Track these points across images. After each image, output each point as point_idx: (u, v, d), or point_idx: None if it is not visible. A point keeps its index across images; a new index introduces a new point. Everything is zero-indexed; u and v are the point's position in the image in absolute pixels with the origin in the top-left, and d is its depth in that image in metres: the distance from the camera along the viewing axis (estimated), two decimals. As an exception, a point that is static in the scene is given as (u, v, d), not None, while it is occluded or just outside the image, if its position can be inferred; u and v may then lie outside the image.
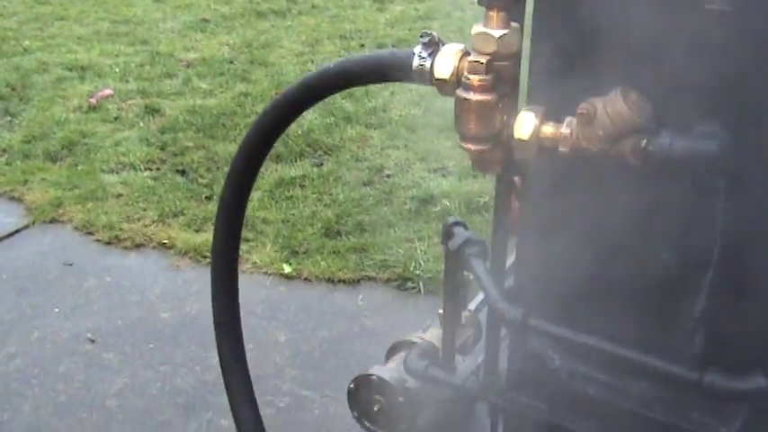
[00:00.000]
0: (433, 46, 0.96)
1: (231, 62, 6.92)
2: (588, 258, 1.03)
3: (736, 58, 0.83)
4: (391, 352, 1.53)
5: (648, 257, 0.98)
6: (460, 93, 0.92)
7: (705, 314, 0.97)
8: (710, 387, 0.96)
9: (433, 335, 1.49)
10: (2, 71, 6.68)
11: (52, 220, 4.76)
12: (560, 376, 1.07)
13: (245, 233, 4.74)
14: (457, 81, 0.93)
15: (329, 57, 7.16)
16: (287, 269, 4.37)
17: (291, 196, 4.99)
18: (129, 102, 6.16)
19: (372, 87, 6.52)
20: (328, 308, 4.06)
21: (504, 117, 0.92)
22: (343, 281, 4.28)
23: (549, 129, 0.91)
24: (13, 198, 4.98)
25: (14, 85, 6.44)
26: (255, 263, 4.38)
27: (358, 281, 4.28)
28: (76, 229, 4.69)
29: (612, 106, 0.86)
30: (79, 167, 5.27)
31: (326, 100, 6.53)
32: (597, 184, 0.98)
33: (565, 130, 0.90)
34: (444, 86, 0.95)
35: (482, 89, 0.90)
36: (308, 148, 5.53)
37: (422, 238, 4.50)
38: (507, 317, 1.06)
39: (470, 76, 0.91)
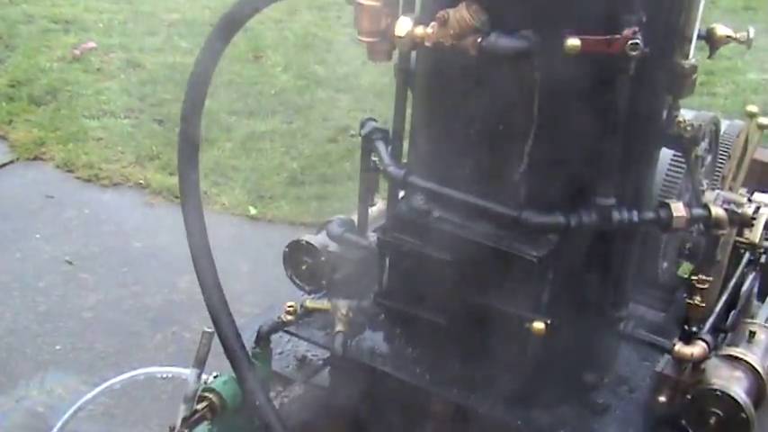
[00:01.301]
0: (344, -32, 1.36)
1: (211, 25, 7.22)
2: (450, 133, 1.43)
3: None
4: (321, 228, 1.92)
5: (490, 130, 1.37)
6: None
7: (525, 171, 1.37)
8: (525, 222, 1.36)
9: (354, 217, 1.89)
10: (-12, 20, 6.95)
11: (35, 158, 5.09)
12: (428, 219, 1.47)
13: (215, 177, 5.12)
14: (357, -7, 1.33)
15: (305, 25, 7.50)
16: (252, 211, 4.74)
17: (261, 148, 5.35)
18: (112, 55, 6.48)
19: (345, 56, 6.89)
20: (288, 246, 4.44)
21: (389, 20, 1.32)
22: (304, 224, 4.65)
23: (419, 29, 1.31)
24: (-2, 136, 5.30)
25: (0, 33, 6.72)
26: (224, 204, 4.75)
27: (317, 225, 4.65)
28: (58, 167, 5.03)
29: (459, 14, 1.26)
30: (62, 111, 5.59)
31: (301, 63, 6.81)
32: (453, 81, 1.38)
33: (429, 30, 1.30)
34: (349, -3, 1.35)
35: (372, -3, 1.31)
36: (280, 107, 5.89)
37: (379, 190, 4.88)
38: (393, 175, 1.47)
39: (364, -12, 1.31)
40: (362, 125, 1.68)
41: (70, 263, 4.17)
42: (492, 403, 1.52)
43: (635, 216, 1.39)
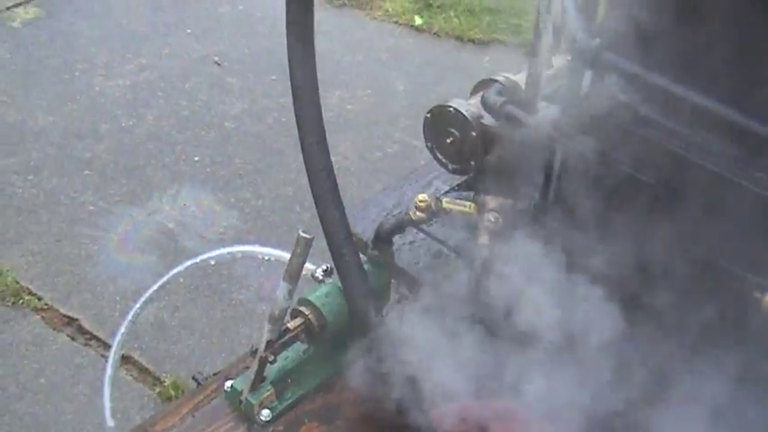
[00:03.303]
0: None
1: None
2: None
3: None
4: (477, 88, 1.47)
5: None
6: None
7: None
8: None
9: (522, 77, 1.42)
10: None
11: (192, -59, 4.75)
12: (629, 120, 1.00)
13: (382, -21, 4.64)
14: None
15: None
16: (418, 21, 4.26)
17: (436, -55, 4.77)
18: None
19: None
20: (453, 65, 3.98)
21: None
22: (473, 40, 4.17)
23: None
24: None
25: None
26: (387, 10, 4.29)
27: (487, 42, 4.15)
28: (212, -48, 4.68)
29: None
30: None
31: None
32: None
33: None
34: None
35: None
36: None
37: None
38: (581, 46, 0.98)
39: None
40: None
41: (218, 64, 3.90)
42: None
43: None
